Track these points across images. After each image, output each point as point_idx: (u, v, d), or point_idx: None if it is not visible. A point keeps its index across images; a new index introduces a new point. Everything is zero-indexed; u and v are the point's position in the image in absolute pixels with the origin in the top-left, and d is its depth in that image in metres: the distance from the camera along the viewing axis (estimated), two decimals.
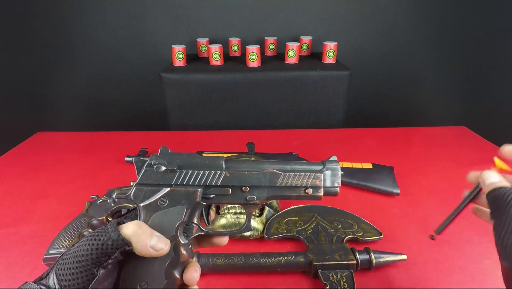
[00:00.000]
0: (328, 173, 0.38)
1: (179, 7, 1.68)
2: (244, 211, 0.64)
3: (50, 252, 0.58)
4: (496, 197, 0.33)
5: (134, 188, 0.36)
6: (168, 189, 0.35)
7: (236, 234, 0.39)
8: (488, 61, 1.80)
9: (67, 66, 1.79)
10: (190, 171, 0.36)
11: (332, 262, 0.54)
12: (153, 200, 0.35)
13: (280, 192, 0.37)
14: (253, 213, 0.64)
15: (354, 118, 1.66)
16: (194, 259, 0.48)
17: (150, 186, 0.36)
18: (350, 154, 0.94)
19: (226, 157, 0.39)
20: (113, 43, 1.75)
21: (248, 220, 0.39)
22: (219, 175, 0.36)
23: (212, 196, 0.37)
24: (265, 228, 0.64)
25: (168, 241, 0.33)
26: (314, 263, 0.54)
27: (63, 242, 0.59)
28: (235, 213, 0.63)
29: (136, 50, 1.76)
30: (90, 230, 0.63)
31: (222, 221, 0.63)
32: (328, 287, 0.51)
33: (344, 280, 0.52)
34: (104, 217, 0.66)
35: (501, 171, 0.39)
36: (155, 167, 0.36)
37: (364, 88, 1.84)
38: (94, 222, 0.65)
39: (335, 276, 0.53)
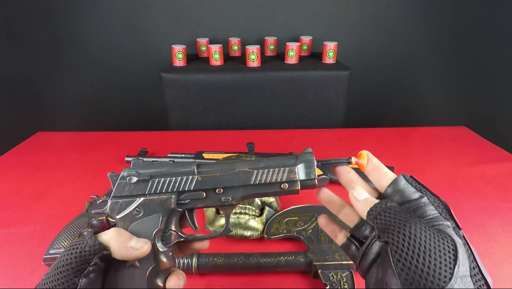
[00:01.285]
0: (301, 165, 0.37)
1: (179, 7, 1.68)
2: (244, 211, 0.64)
3: (50, 252, 0.58)
4: (384, 214, 0.30)
5: (110, 202, 0.36)
6: (142, 198, 0.36)
7: (215, 237, 0.39)
8: (488, 61, 1.80)
9: (67, 66, 1.79)
10: (163, 179, 0.36)
11: (332, 262, 0.54)
12: (128, 211, 0.35)
13: (255, 190, 0.36)
14: (253, 213, 0.64)
15: (354, 118, 1.66)
16: (177, 267, 0.47)
17: (125, 198, 0.36)
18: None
19: (198, 161, 0.39)
20: (113, 43, 1.75)
21: (227, 221, 0.38)
22: (191, 180, 0.36)
23: (187, 201, 0.36)
24: (265, 228, 0.64)
25: (148, 241, 0.33)
26: (314, 263, 0.54)
27: (63, 242, 0.59)
28: (235, 213, 0.63)
29: (136, 50, 1.76)
30: (90, 230, 0.63)
31: (222, 221, 0.62)
32: (328, 287, 0.51)
33: (344, 280, 0.52)
34: (104, 217, 0.66)
35: (359, 164, 0.39)
36: (127, 178, 0.36)
37: (364, 88, 1.84)
38: (94, 222, 0.65)
39: (335, 276, 0.53)
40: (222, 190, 0.36)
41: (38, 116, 1.87)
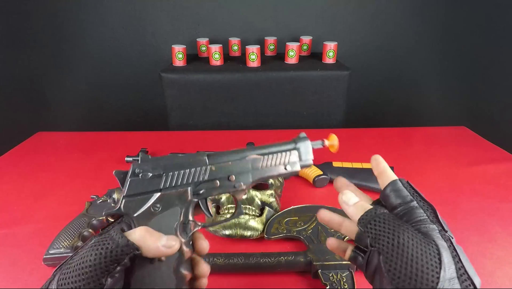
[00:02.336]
0: (300, 148, 0.40)
1: (179, 7, 1.68)
2: (244, 211, 0.64)
3: (50, 252, 0.58)
4: (374, 221, 0.33)
5: (123, 201, 0.35)
6: (159, 194, 0.35)
7: (228, 220, 0.41)
8: (488, 61, 1.80)
9: (67, 66, 1.79)
10: (177, 172, 0.37)
11: (332, 262, 0.54)
12: (145, 208, 0.35)
13: (263, 173, 0.39)
14: (253, 213, 0.64)
15: (354, 118, 1.66)
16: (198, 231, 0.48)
17: (140, 195, 0.35)
18: (350, 154, 0.94)
19: (207, 152, 0.39)
20: (113, 43, 1.75)
21: (239, 205, 0.41)
22: (205, 170, 0.37)
23: (202, 191, 0.37)
24: (265, 228, 0.64)
25: (177, 238, 0.33)
26: (314, 263, 0.54)
27: (63, 242, 0.59)
28: None
29: (136, 50, 1.76)
30: (90, 230, 0.63)
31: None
32: (328, 287, 0.51)
33: (344, 280, 0.52)
34: (104, 217, 0.66)
35: (330, 146, 0.41)
36: (140, 175, 0.36)
37: (364, 88, 1.84)
38: (94, 222, 0.65)
39: (335, 276, 0.53)
40: (234, 177, 0.38)
41: (38, 116, 1.87)
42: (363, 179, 0.79)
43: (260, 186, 0.74)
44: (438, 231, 0.32)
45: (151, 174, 0.36)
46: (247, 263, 0.55)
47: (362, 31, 1.75)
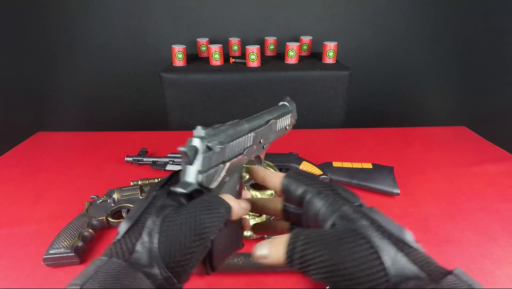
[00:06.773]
0: (292, 110, 0.50)
1: (179, 7, 1.68)
2: None
3: (50, 252, 0.58)
4: (303, 247, 0.28)
5: (203, 175, 0.33)
6: (228, 164, 0.37)
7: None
8: (488, 61, 1.80)
9: (67, 66, 1.79)
10: (233, 143, 0.38)
11: None
12: (220, 179, 0.36)
13: (276, 135, 0.47)
14: (253, 213, 0.64)
15: (354, 118, 1.66)
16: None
17: (212, 168, 0.35)
18: (350, 154, 0.94)
19: (244, 120, 0.42)
20: (113, 43, 1.75)
21: (263, 161, 0.45)
22: (249, 137, 0.41)
23: (245, 157, 0.41)
24: None
25: (247, 201, 0.37)
26: None
27: (63, 242, 0.59)
28: None
29: (136, 50, 1.76)
30: (90, 230, 0.63)
31: None
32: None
33: None
34: (104, 217, 0.66)
35: None
36: (211, 149, 0.35)
37: (364, 88, 1.84)
38: (94, 222, 0.65)
39: None
40: (263, 140, 0.43)
41: (38, 116, 1.87)
42: (363, 179, 0.79)
43: (260, 186, 0.74)
44: (352, 211, 0.29)
45: (220, 148, 0.35)
46: (247, 263, 0.55)
47: (362, 31, 1.75)
